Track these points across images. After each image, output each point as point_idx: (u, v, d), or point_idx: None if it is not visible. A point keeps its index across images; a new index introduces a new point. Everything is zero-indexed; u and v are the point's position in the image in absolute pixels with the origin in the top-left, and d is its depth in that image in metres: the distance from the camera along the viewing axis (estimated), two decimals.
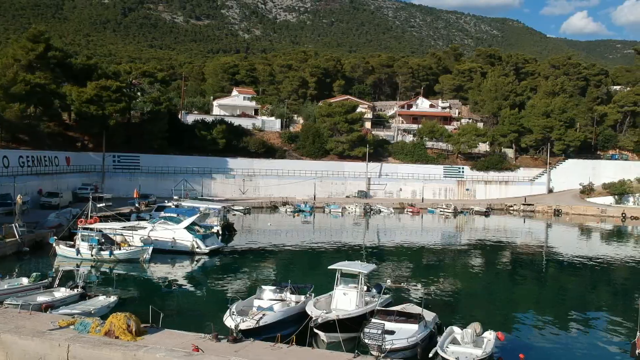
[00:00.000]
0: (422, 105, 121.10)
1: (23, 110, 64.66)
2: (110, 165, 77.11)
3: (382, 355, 18.57)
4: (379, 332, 19.64)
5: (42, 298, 24.77)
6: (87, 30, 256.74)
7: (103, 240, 38.54)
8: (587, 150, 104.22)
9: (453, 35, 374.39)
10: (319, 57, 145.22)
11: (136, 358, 17.24)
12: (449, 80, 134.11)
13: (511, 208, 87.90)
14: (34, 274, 27.66)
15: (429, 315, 23.58)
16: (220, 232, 49.98)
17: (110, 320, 18.81)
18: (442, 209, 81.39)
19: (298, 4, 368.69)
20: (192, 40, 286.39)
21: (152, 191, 71.77)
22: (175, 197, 62.64)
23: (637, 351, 21.20)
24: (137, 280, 34.58)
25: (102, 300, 25.64)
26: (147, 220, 47.16)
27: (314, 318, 21.94)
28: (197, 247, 41.56)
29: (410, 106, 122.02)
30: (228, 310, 22.18)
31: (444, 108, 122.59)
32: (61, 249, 38.00)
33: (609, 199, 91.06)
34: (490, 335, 21.67)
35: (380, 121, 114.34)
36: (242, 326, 20.51)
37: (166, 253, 40.75)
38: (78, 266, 32.83)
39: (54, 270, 32.35)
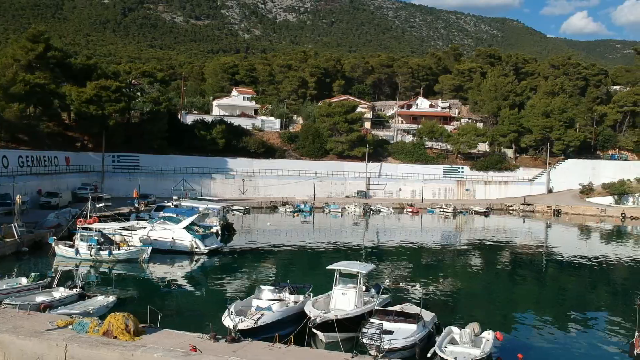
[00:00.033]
0: (422, 105, 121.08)
1: (22, 110, 64.66)
2: (109, 165, 77.07)
3: (381, 355, 18.57)
4: (377, 332, 19.63)
5: (40, 298, 24.76)
6: (86, 30, 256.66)
7: (102, 240, 38.48)
8: (586, 150, 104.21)
9: (453, 35, 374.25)
10: (319, 57, 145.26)
11: (133, 358, 17.23)
12: (448, 80, 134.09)
13: (511, 208, 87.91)
14: (33, 274, 27.65)
15: (428, 315, 23.59)
16: (219, 232, 49.94)
17: (108, 320, 18.81)
18: (441, 209, 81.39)
19: (298, 4, 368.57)
20: (192, 40, 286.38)
21: (152, 191, 71.73)
22: (174, 197, 62.79)
23: (635, 351, 21.18)
24: (136, 280, 34.57)
25: (101, 300, 25.65)
26: (147, 220, 47.10)
27: (312, 318, 21.94)
28: (196, 247, 41.53)
29: (410, 106, 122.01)
30: (226, 310, 22.17)
31: (443, 108, 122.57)
32: (60, 249, 38.01)
33: (609, 199, 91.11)
34: (488, 335, 21.69)
35: (379, 121, 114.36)
36: (241, 326, 20.49)
37: (165, 253, 40.72)
38: (77, 266, 32.78)
39: (53, 270, 32.42)
